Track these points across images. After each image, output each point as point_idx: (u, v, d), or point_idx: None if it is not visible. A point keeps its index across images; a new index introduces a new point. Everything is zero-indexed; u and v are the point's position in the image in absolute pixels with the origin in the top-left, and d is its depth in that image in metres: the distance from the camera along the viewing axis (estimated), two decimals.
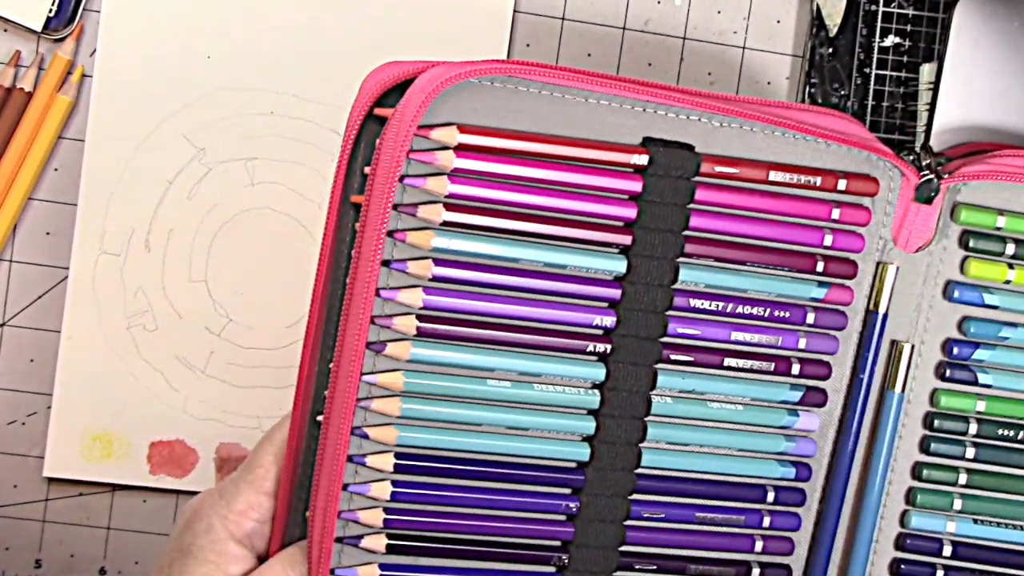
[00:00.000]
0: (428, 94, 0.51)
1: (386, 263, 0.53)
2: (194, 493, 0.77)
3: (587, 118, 0.55)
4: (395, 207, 0.52)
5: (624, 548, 0.58)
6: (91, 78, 0.75)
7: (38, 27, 0.74)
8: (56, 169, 0.76)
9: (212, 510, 0.56)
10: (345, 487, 0.53)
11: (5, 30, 0.75)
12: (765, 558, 0.61)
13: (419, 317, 0.53)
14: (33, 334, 0.76)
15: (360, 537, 0.54)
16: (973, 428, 0.62)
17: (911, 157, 0.62)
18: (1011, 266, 0.61)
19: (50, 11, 0.74)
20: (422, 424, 0.54)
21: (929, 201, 0.61)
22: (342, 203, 0.54)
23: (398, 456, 0.54)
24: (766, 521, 0.60)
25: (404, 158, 0.51)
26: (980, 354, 0.62)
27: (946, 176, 0.60)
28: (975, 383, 0.62)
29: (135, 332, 0.76)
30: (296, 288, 0.76)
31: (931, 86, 0.72)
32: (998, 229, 0.61)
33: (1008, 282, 0.61)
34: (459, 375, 0.55)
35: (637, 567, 0.58)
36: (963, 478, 0.62)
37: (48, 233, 0.76)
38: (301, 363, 0.55)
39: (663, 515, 0.59)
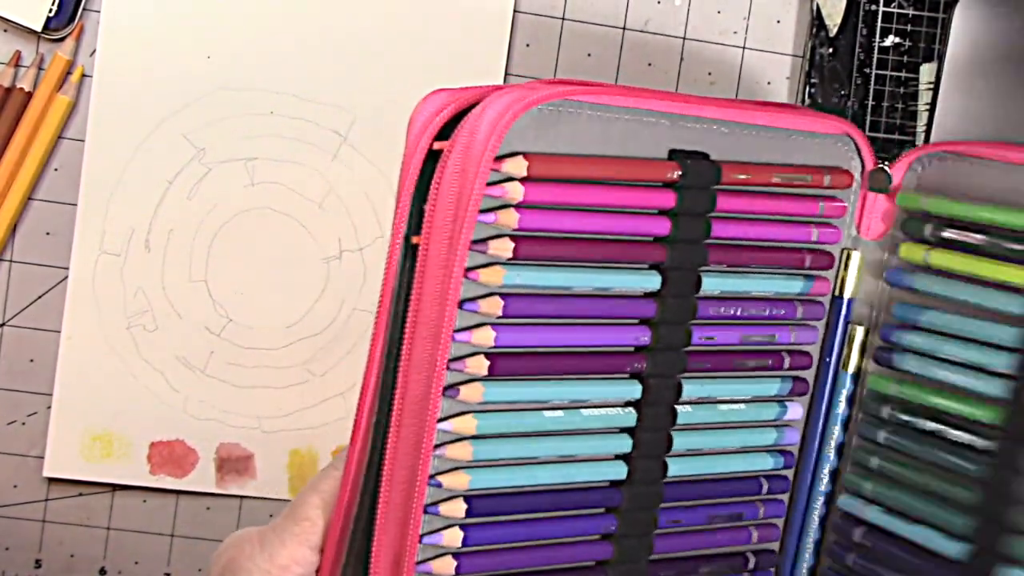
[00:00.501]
0: (501, 128, 0.49)
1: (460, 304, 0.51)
2: (194, 493, 0.77)
3: (621, 134, 0.54)
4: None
5: (650, 558, 0.58)
6: (91, 78, 0.75)
7: (38, 27, 0.74)
8: (56, 169, 0.76)
9: (253, 563, 0.54)
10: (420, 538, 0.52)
11: (5, 30, 0.75)
12: (758, 547, 0.62)
13: (487, 356, 0.52)
14: (33, 334, 0.76)
15: None
16: (886, 411, 0.62)
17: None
18: (933, 247, 0.61)
19: (50, 11, 0.74)
20: (489, 465, 0.53)
21: (884, 190, 0.61)
22: (405, 244, 0.51)
23: (466, 500, 0.53)
24: (760, 512, 0.61)
25: (482, 194, 0.49)
26: (903, 337, 0.62)
27: (891, 163, 0.62)
28: (892, 366, 0.62)
29: (135, 332, 0.76)
30: (296, 288, 0.76)
31: (931, 86, 0.72)
32: (925, 212, 0.61)
33: (928, 266, 0.61)
34: (521, 410, 0.54)
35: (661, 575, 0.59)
36: (875, 462, 0.62)
37: (48, 233, 0.76)
38: (358, 414, 0.53)
39: (681, 520, 0.59)
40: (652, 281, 0.56)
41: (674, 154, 0.56)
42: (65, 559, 0.77)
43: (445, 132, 0.51)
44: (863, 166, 0.62)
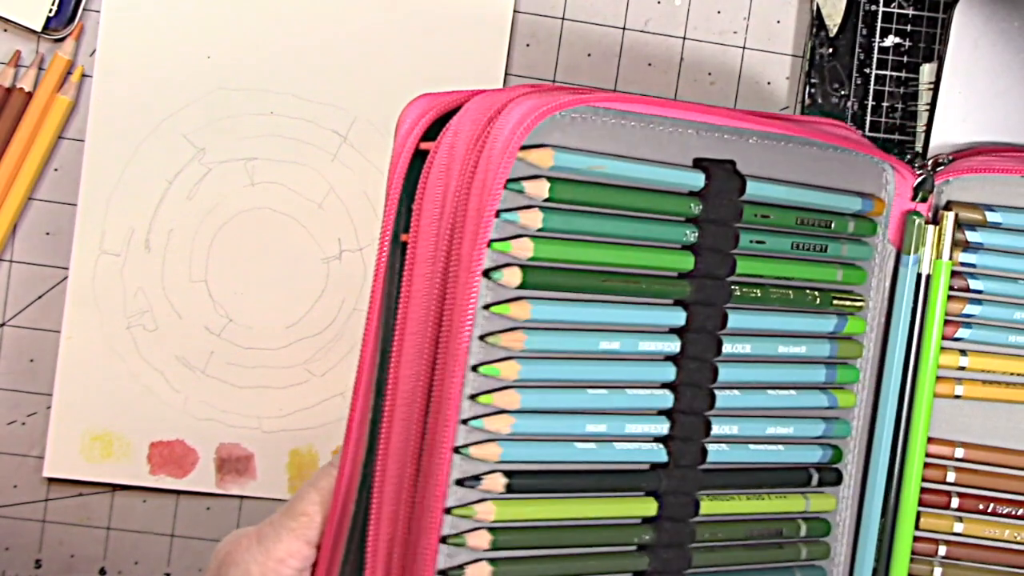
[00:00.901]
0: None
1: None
2: (194, 493, 0.77)
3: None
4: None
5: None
6: (91, 78, 0.75)
7: (38, 27, 0.74)
8: (56, 169, 0.76)
9: (250, 557, 0.55)
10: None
11: (5, 30, 0.75)
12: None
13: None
14: (33, 334, 0.76)
15: None
16: None
17: (916, 162, 0.64)
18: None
19: (50, 11, 0.74)
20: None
21: (925, 199, 0.62)
22: (393, 242, 0.52)
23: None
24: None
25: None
26: None
27: (939, 171, 0.62)
28: None
29: (135, 332, 0.76)
30: (296, 288, 0.76)
31: (931, 86, 0.72)
32: None
33: None
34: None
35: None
36: None
37: (48, 233, 0.76)
38: (351, 412, 0.53)
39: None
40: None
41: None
42: (65, 559, 0.77)
43: (431, 134, 0.52)
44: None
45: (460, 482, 0.51)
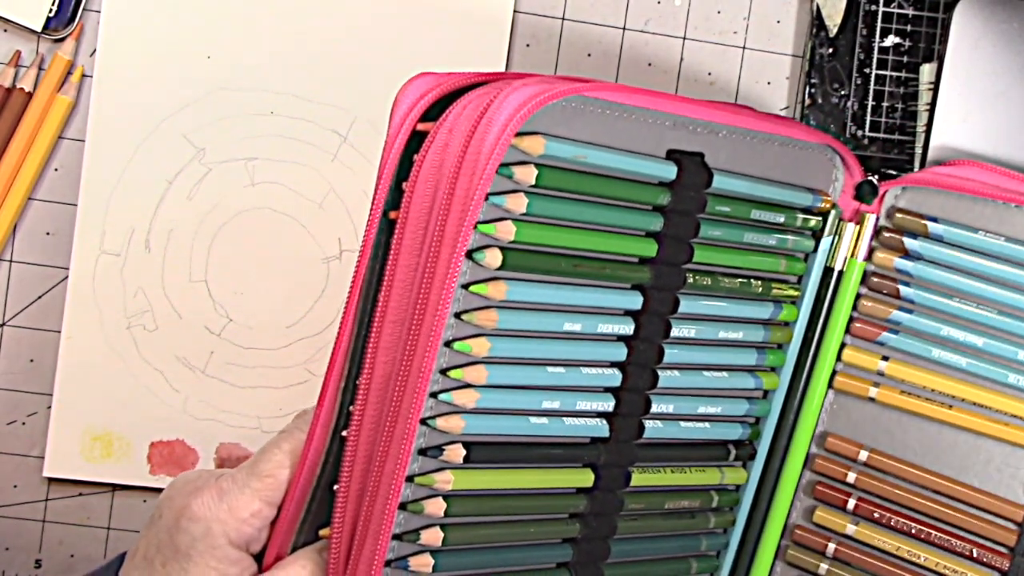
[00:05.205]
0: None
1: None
2: None
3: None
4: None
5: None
6: (91, 78, 0.75)
7: (38, 27, 0.74)
8: (56, 169, 0.76)
9: (212, 515, 0.55)
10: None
11: (5, 30, 0.75)
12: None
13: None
14: (33, 334, 0.76)
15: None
16: None
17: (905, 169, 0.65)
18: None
19: (50, 11, 0.74)
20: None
21: (868, 202, 0.64)
22: (382, 219, 0.53)
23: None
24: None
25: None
26: None
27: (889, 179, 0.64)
28: None
29: (135, 332, 0.76)
30: (296, 288, 0.76)
31: (931, 86, 0.72)
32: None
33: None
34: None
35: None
36: None
37: (48, 233, 0.76)
38: (327, 376, 0.54)
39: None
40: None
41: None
42: (65, 559, 0.77)
43: (430, 114, 0.52)
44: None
45: (423, 451, 0.53)
